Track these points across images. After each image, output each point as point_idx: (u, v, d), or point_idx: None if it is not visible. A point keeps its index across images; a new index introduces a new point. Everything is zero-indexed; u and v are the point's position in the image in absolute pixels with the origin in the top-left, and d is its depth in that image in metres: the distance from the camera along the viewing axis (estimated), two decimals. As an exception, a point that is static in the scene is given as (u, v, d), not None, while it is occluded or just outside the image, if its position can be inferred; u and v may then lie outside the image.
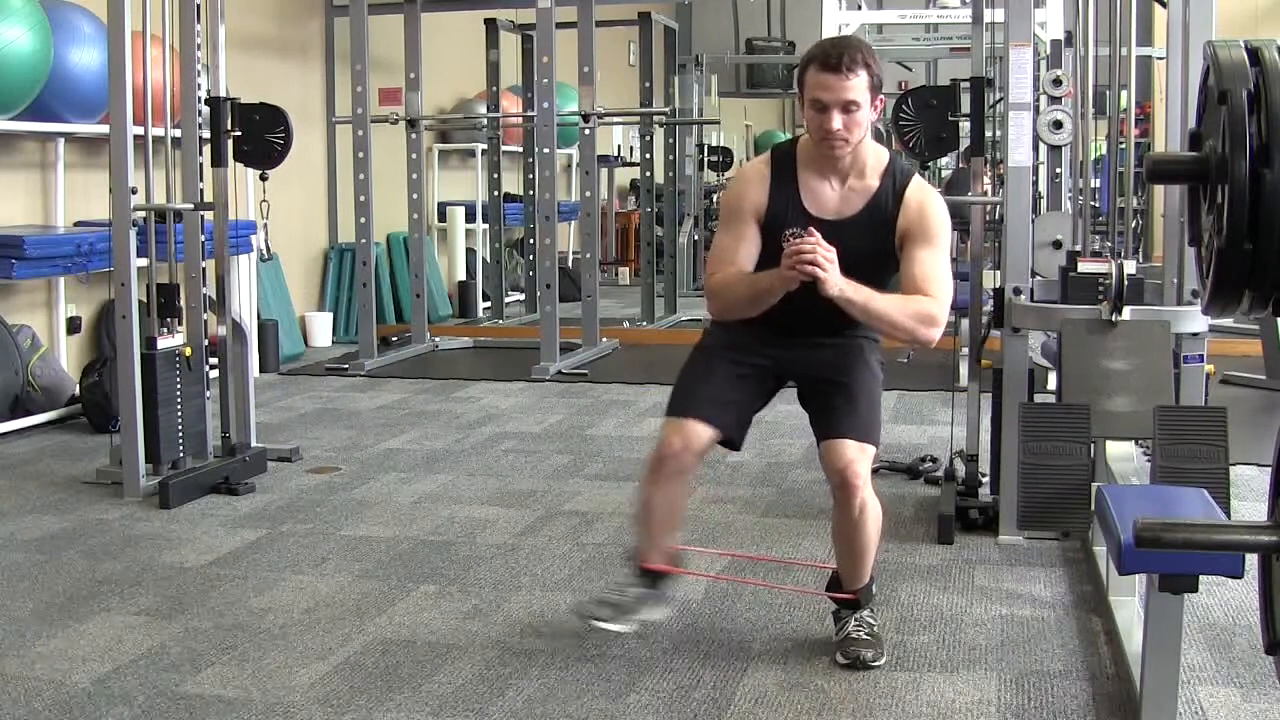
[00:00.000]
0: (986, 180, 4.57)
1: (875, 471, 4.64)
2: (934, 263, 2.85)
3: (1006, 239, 3.86)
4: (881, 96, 2.84)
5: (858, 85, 2.75)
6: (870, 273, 2.81)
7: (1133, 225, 4.61)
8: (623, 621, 3.00)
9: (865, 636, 2.95)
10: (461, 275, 9.61)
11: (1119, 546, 2.36)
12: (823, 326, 2.93)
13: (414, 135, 7.86)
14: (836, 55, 2.76)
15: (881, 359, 3.08)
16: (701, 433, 2.90)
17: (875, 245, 2.87)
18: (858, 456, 2.84)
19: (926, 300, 2.81)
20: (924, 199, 2.89)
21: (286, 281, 7.91)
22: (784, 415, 5.87)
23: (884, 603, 3.35)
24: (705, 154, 11.80)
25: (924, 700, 2.75)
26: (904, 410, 5.97)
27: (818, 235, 2.71)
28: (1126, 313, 3.43)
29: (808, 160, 2.91)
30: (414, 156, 7.90)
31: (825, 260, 2.67)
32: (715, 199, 13.65)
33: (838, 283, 2.70)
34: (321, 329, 8.29)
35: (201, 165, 4.72)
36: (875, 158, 2.90)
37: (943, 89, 4.88)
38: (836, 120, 2.76)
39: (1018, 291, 3.79)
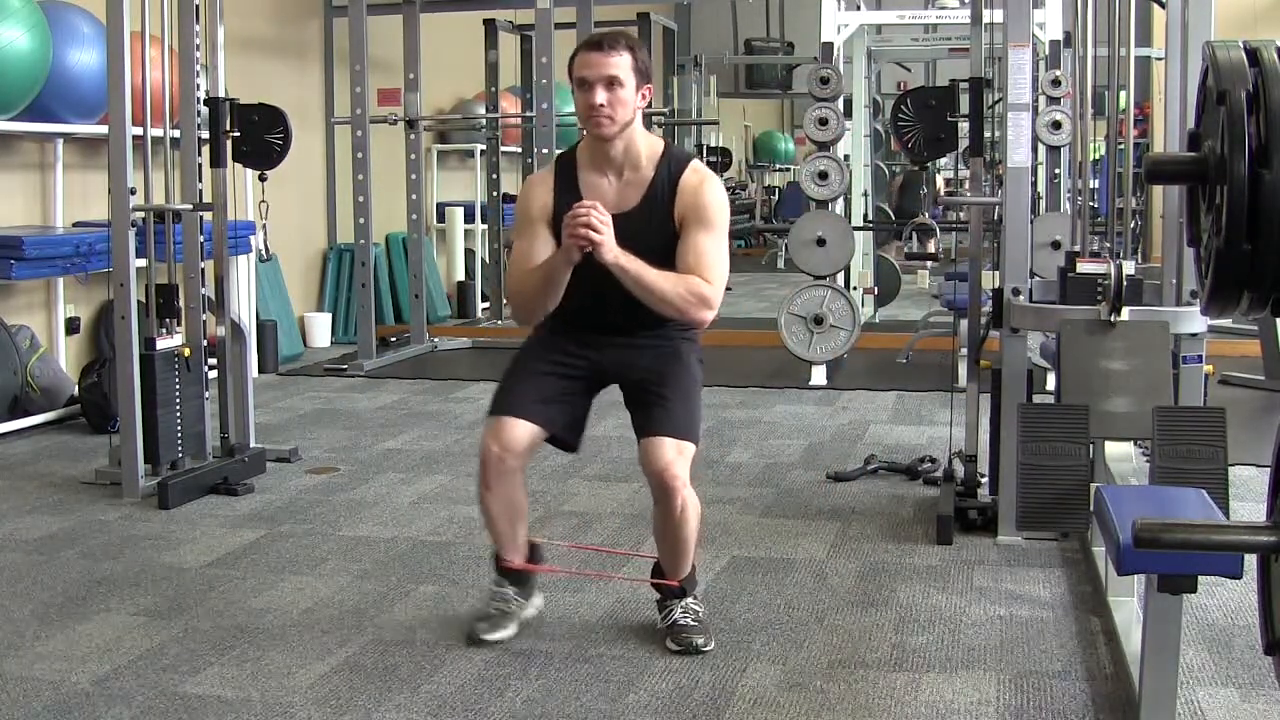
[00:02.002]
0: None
1: (875, 472, 4.68)
2: (710, 246, 2.91)
3: (1005, 239, 3.86)
4: (650, 86, 2.94)
5: (620, 63, 2.85)
6: (656, 262, 2.86)
7: (1131, 226, 4.61)
8: (505, 627, 3.09)
9: (694, 623, 3.03)
10: (460, 276, 9.61)
11: (1118, 547, 2.36)
12: (631, 320, 2.95)
13: (413, 136, 7.86)
14: (599, 37, 2.91)
15: (701, 358, 3.10)
16: (519, 431, 2.96)
17: (657, 234, 2.92)
18: (675, 457, 2.90)
19: (700, 281, 2.86)
20: (700, 184, 2.94)
21: (285, 282, 7.91)
22: (783, 416, 5.89)
23: (883, 603, 3.36)
24: (704, 154, 11.80)
25: (923, 701, 2.75)
26: (903, 411, 5.97)
27: (596, 203, 2.81)
28: (1125, 313, 3.43)
29: (586, 160, 3.00)
30: (413, 157, 7.90)
31: (600, 223, 2.77)
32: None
33: (613, 248, 2.79)
34: (320, 329, 8.29)
35: (200, 166, 4.73)
36: (649, 148, 2.97)
37: (941, 89, 4.89)
38: (600, 95, 2.84)
39: (1016, 292, 3.79)
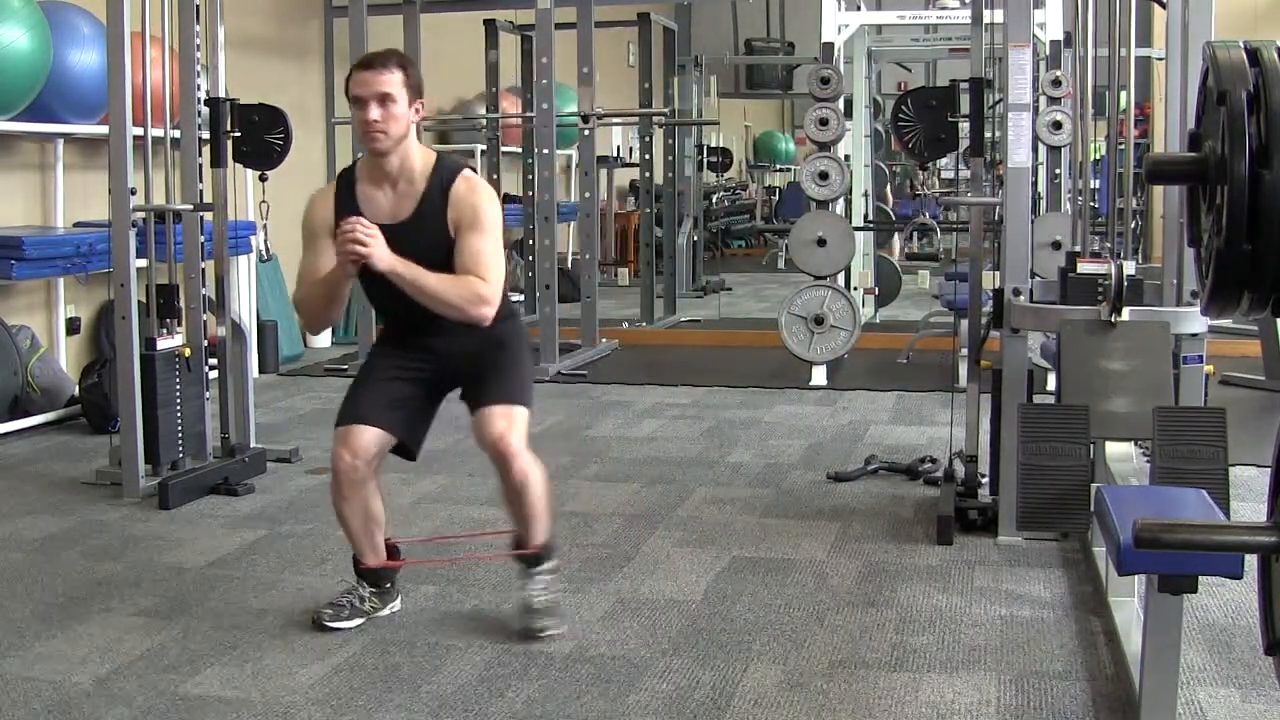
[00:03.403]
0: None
1: (875, 472, 4.67)
2: (484, 246, 3.04)
3: (1006, 240, 3.86)
4: (421, 101, 3.08)
5: (392, 80, 3.00)
6: (435, 269, 2.99)
7: (1132, 226, 4.60)
8: (351, 618, 3.19)
9: (542, 605, 3.13)
10: (461, 276, 9.58)
11: (1118, 547, 2.36)
12: (448, 321, 3.05)
13: (413, 136, 7.84)
14: (372, 56, 3.06)
15: (526, 336, 3.28)
16: (368, 438, 3.07)
17: (433, 241, 3.04)
18: (507, 427, 3.02)
19: (477, 281, 3.00)
20: (470, 190, 3.08)
21: (286, 282, 7.91)
22: (783, 416, 5.89)
23: (883, 603, 3.35)
24: (705, 155, 11.80)
25: (923, 701, 2.75)
26: (903, 411, 5.97)
27: (361, 219, 2.95)
28: (1126, 313, 3.43)
29: (365, 174, 3.14)
30: (413, 157, 7.88)
31: (365, 237, 2.91)
32: (713, 200, 13.69)
33: (385, 257, 2.93)
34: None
35: (201, 166, 4.73)
36: (423, 161, 3.11)
37: (942, 90, 4.89)
38: (374, 111, 2.98)
39: (1017, 292, 3.79)
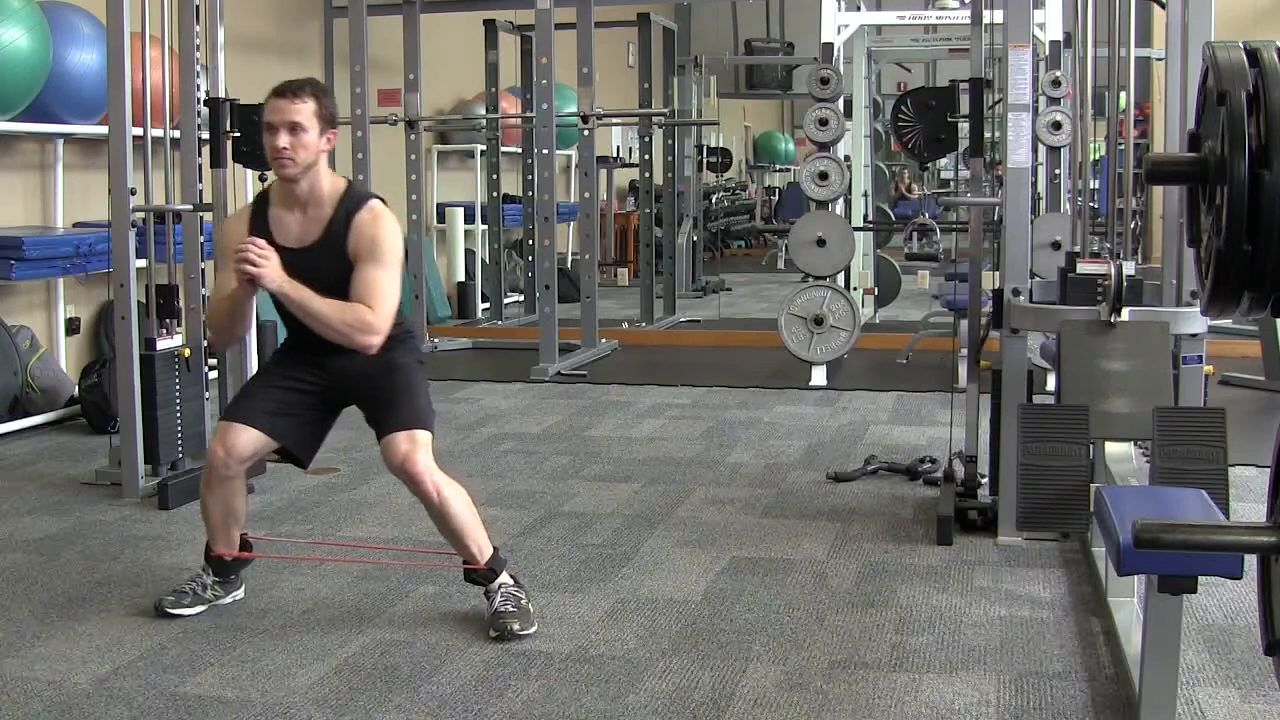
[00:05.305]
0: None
1: (875, 472, 4.68)
2: (377, 277, 3.12)
3: (1005, 240, 3.86)
4: (334, 132, 3.18)
5: (303, 110, 3.10)
6: (337, 294, 3.09)
7: (1131, 226, 4.61)
8: (193, 605, 3.28)
9: (511, 609, 3.14)
10: (460, 276, 9.61)
11: (1118, 547, 2.36)
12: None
13: (413, 136, 7.86)
14: (287, 85, 3.14)
15: (420, 359, 3.35)
16: (244, 438, 3.18)
17: (334, 267, 3.14)
18: (410, 448, 3.10)
19: (364, 309, 3.08)
20: (374, 220, 3.16)
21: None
22: (783, 416, 5.89)
23: (883, 603, 3.35)
24: (704, 155, 11.80)
25: (923, 701, 2.75)
26: (903, 411, 5.97)
27: (259, 240, 3.06)
28: (1125, 314, 3.43)
29: (278, 198, 3.24)
30: (413, 157, 7.90)
31: (258, 257, 3.01)
32: (713, 200, 13.69)
33: (275, 278, 3.03)
34: (320, 330, 8.28)
35: (200, 166, 4.73)
36: (332, 188, 3.20)
37: (942, 90, 4.90)
38: (283, 139, 3.08)
39: (1017, 292, 3.79)
